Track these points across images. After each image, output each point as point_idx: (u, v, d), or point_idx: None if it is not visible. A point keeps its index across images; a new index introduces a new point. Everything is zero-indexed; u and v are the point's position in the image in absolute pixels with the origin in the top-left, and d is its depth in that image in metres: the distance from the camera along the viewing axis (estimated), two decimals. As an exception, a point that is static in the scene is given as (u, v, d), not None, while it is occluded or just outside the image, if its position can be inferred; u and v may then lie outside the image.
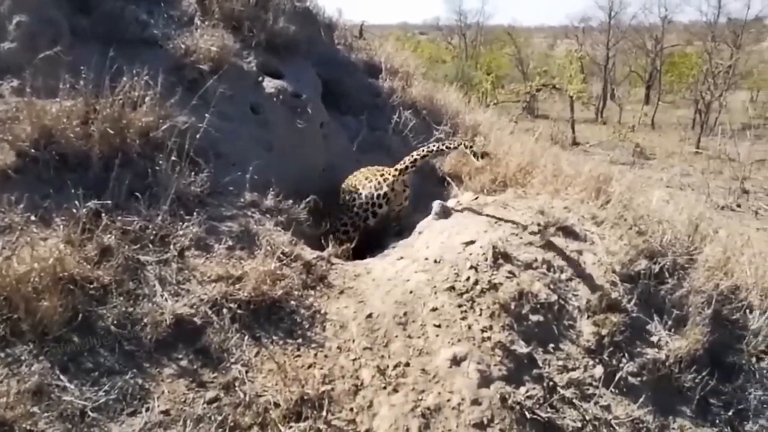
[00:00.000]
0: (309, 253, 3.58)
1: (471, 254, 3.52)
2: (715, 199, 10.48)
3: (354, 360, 2.95)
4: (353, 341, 3.05)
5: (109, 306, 2.77)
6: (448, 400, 2.78)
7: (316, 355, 2.96)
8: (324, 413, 2.70)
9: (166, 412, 2.57)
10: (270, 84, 4.46)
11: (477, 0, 33.68)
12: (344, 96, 5.25)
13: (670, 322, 3.34)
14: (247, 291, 3.04)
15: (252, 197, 3.72)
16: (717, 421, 3.08)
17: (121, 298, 2.83)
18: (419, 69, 7.07)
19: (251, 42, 4.54)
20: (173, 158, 3.36)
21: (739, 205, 10.69)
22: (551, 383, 2.95)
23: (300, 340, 3.04)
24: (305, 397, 2.72)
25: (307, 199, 4.01)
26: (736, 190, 11.40)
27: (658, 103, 26.54)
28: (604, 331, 3.19)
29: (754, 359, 3.42)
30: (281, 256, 3.36)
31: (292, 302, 3.20)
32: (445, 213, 4.07)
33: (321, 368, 2.89)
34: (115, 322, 2.72)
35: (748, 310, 3.61)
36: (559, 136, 18.72)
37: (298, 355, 2.94)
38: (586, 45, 31.86)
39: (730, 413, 3.12)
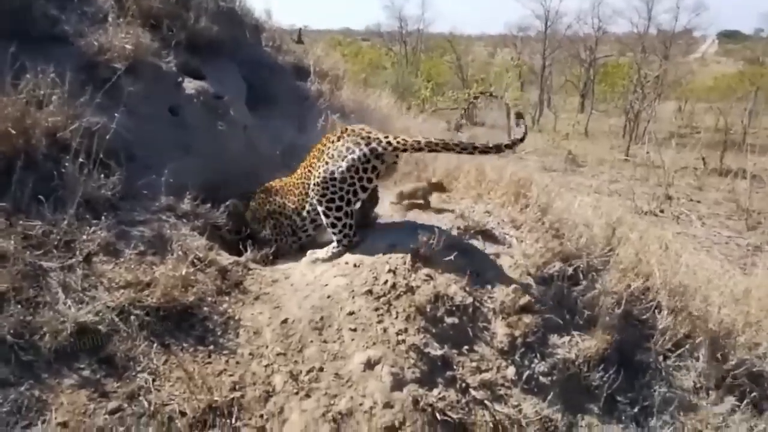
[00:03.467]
0: (225, 259, 3.50)
1: (390, 258, 3.52)
2: (640, 204, 10.94)
3: (266, 366, 2.90)
4: (267, 347, 3.00)
5: (5, 315, 2.62)
6: (361, 404, 2.77)
7: (227, 361, 2.90)
8: (233, 420, 2.64)
9: (64, 424, 2.46)
10: (190, 85, 4.36)
11: (417, 7, 34.08)
12: (270, 99, 5.18)
13: (581, 323, 3.45)
14: (157, 297, 2.95)
15: (167, 201, 3.61)
16: (623, 418, 3.19)
17: (20, 306, 2.68)
18: (348, 72, 7.09)
19: (171, 41, 4.42)
20: (81, 160, 3.22)
21: (662, 211, 11.18)
22: (464, 385, 2.99)
23: (211, 347, 2.97)
24: (213, 405, 2.66)
25: (227, 203, 3.94)
26: (659, 196, 11.92)
27: (591, 111, 27.59)
28: (517, 333, 3.25)
29: (661, 357, 3.56)
30: (195, 261, 3.28)
31: (205, 308, 3.12)
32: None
33: (231, 375, 2.83)
34: (11, 331, 2.58)
35: (657, 310, 3.76)
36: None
37: (209, 362, 2.87)
38: (524, 54, 32.83)
39: (635, 410, 3.23)
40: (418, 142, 3.46)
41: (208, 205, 3.80)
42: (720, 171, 15.22)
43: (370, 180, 3.51)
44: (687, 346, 3.55)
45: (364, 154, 3.45)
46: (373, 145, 3.46)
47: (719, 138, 19.09)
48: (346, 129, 3.65)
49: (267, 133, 4.91)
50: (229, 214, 3.95)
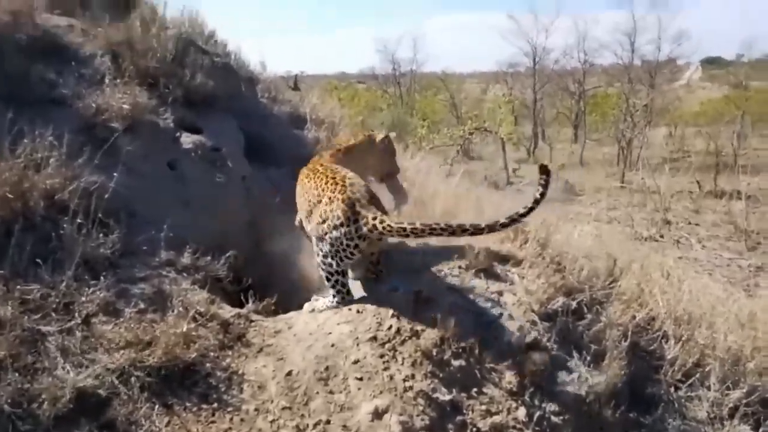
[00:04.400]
0: (227, 312, 3.48)
1: (394, 302, 3.50)
2: (639, 230, 10.94)
3: (272, 422, 2.85)
4: (272, 401, 2.95)
5: (3, 384, 2.58)
6: (370, 456, 2.71)
7: (231, 419, 2.85)
8: (240, 481, 2.58)
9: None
10: (188, 139, 4.42)
11: (409, 49, 34.57)
12: (268, 148, 5.24)
13: (589, 358, 3.40)
14: (158, 356, 2.92)
15: (167, 256, 3.60)
16: (639, 454, 3.12)
17: (17, 374, 2.65)
18: (346, 115, 7.18)
19: (167, 98, 4.50)
20: (79, 220, 3.24)
21: (662, 236, 11.18)
22: (475, 429, 2.93)
23: (215, 405, 2.92)
24: (220, 465, 2.60)
25: (227, 255, 3.93)
26: (658, 222, 11.94)
27: (585, 141, 27.87)
28: (525, 372, 3.21)
29: (672, 389, 3.51)
30: (196, 316, 3.25)
31: (208, 364, 3.08)
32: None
33: (237, 432, 2.78)
34: (9, 400, 2.54)
35: (663, 340, 3.72)
36: (494, 177, 19.27)
37: (213, 421, 2.82)
38: (515, 89, 33.36)
39: (651, 445, 3.17)
40: (404, 229, 3.31)
41: (209, 257, 3.79)
42: (715, 193, 15.30)
43: (352, 254, 3.43)
44: (697, 376, 3.50)
45: (348, 233, 3.37)
46: (360, 223, 3.35)
47: (711, 161, 19.24)
48: (344, 179, 3.53)
49: (265, 183, 4.95)
50: (230, 266, 3.94)
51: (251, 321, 3.49)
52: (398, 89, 33.84)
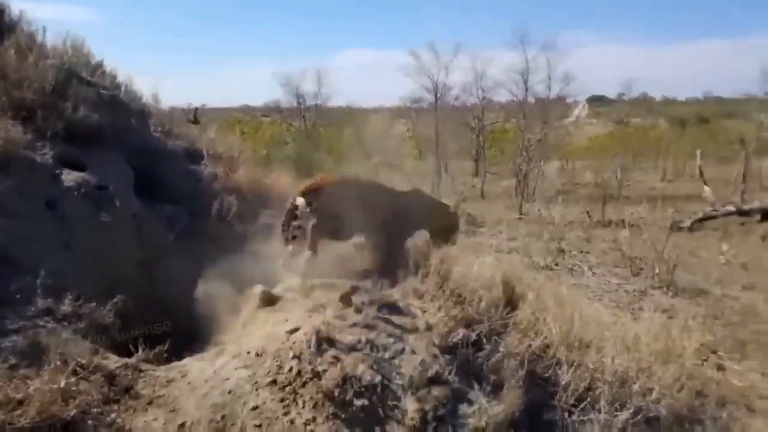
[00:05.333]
0: (113, 362, 3.23)
1: (294, 342, 3.40)
2: (537, 259, 11.42)
3: (163, 479, 2.64)
4: (163, 457, 2.75)
5: None
6: None
7: (116, 480, 2.61)
8: None
9: None
10: (69, 176, 4.12)
11: (314, 83, 34.58)
12: (161, 185, 5.00)
13: (488, 388, 3.46)
14: (31, 416, 2.64)
15: (45, 304, 3.32)
16: (538, 482, 3.17)
17: None
18: (249, 149, 7.03)
19: (46, 132, 4.18)
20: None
21: (557, 264, 11.70)
22: (378, 470, 2.87)
23: (99, 466, 2.68)
24: None
25: (114, 300, 3.67)
26: (553, 250, 12.53)
27: (485, 175, 29.04)
28: (427, 407, 3.20)
29: (566, 414, 3.62)
30: (77, 368, 3.00)
31: (90, 421, 2.83)
32: (269, 300, 3.94)
33: (122, 495, 2.55)
34: None
35: (557, 366, 3.85)
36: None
37: (95, 484, 2.57)
38: (419, 124, 34.30)
39: (549, 470, 3.24)
40: None
41: (93, 303, 3.52)
42: (603, 222, 16.32)
43: None
44: (588, 399, 3.63)
45: None
46: None
47: (599, 192, 20.61)
48: None
49: (158, 221, 4.70)
50: (118, 311, 3.67)
51: (140, 371, 3.26)
52: (304, 123, 33.75)
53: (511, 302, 4.36)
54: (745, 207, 15.10)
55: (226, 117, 24.96)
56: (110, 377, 3.09)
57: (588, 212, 16.76)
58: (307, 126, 33.61)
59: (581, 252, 12.79)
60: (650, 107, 51.14)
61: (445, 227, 4.67)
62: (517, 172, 25.18)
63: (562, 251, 12.85)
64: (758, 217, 13.00)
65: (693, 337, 5.36)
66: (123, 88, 5.75)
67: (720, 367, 5.22)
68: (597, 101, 59.32)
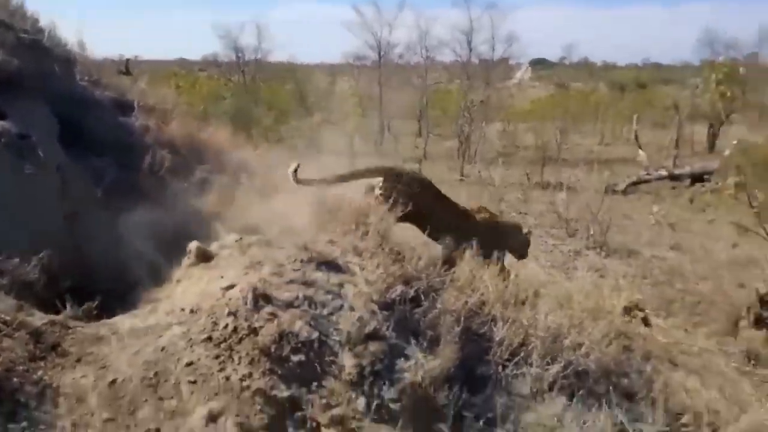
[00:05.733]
0: (38, 319, 3.08)
1: (230, 299, 3.35)
2: (477, 220, 11.61)
3: (92, 437, 2.58)
4: (92, 414, 2.67)
5: None
6: (204, 463, 2.57)
7: (43, 438, 2.53)
8: None
9: None
10: (-13, 125, 3.84)
11: (253, 37, 33.28)
12: (88, 136, 4.74)
13: (425, 344, 3.52)
14: (-51, 375, 2.51)
15: (-38, 261, 3.12)
16: (470, 432, 3.29)
17: None
18: (186, 104, 6.77)
19: (-41, 76, 3.88)
20: None
21: (496, 224, 11.91)
22: (314, 424, 2.90)
23: (25, 423, 2.57)
24: (27, 494, 2.30)
25: (39, 256, 3.51)
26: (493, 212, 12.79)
27: (428, 136, 29.14)
28: (364, 362, 3.23)
29: (500, 368, 3.75)
30: (0, 325, 2.85)
31: (15, 379, 2.70)
32: (205, 256, 3.85)
33: (49, 454, 2.48)
34: None
35: (492, 323, 3.97)
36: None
37: (20, 443, 2.48)
38: (362, 82, 33.91)
39: (481, 423, 3.34)
40: None
41: (17, 259, 3.35)
42: (542, 184, 16.80)
43: None
44: (522, 354, 3.77)
45: None
46: None
47: (539, 155, 21.11)
48: None
49: (86, 174, 4.48)
50: (43, 267, 3.51)
51: (68, 328, 3.13)
52: (243, 78, 32.70)
53: (450, 261, 4.45)
54: (677, 171, 15.81)
55: (161, 70, 23.82)
56: (36, 334, 2.96)
57: (527, 174, 17.16)
58: (246, 81, 32.60)
59: (519, 213, 13.12)
60: (591, 72, 52.32)
61: (521, 244, 5.48)
62: (459, 133, 25.39)
63: (501, 213, 13.13)
64: (688, 181, 13.65)
65: (623, 295, 5.66)
66: (46, 33, 5.37)
67: (647, 324, 5.53)
68: (539, 64, 60.14)
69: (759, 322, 5.27)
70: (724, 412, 3.79)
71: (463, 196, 15.80)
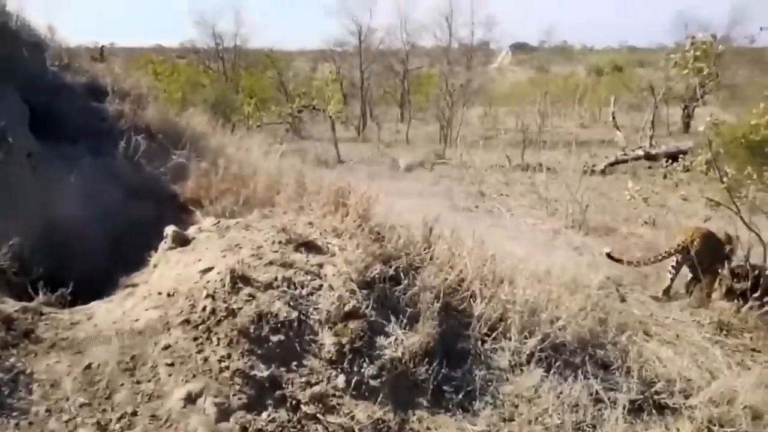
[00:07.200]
0: (10, 306, 3.05)
1: (208, 282, 3.34)
2: (458, 202, 11.68)
3: (68, 421, 2.56)
4: (67, 400, 2.66)
5: None
6: (183, 443, 2.57)
7: (18, 424, 2.51)
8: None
9: None
10: (-47, 111, 3.75)
11: (231, 23, 32.68)
12: (60, 122, 4.65)
13: (405, 321, 3.54)
14: None
15: (-70, 248, 3.06)
16: (450, 406, 3.31)
17: None
18: (164, 92, 6.67)
19: (-77, 62, 3.77)
20: None
21: (477, 207, 12.00)
22: (295, 402, 2.91)
23: (-3, 411, 2.55)
24: (2, 479, 2.29)
25: (10, 242, 3.45)
26: (474, 194, 12.85)
27: (410, 120, 29.07)
28: (344, 340, 3.25)
29: (479, 342, 3.78)
30: (-30, 314, 2.81)
31: (-13, 366, 2.68)
32: (182, 240, 3.82)
33: (24, 439, 2.46)
34: None
35: (472, 299, 4.00)
36: (324, 156, 19.34)
37: (-7, 430, 2.46)
38: (343, 68, 33.63)
39: (460, 396, 3.38)
40: None
41: (-14, 247, 3.29)
42: (522, 166, 16.85)
43: None
44: (500, 329, 3.81)
45: None
46: None
47: (519, 137, 21.18)
48: None
49: (57, 160, 4.39)
50: (15, 254, 3.46)
51: (42, 314, 3.11)
52: (222, 65, 32.24)
53: (428, 241, 4.46)
54: (653, 152, 15.99)
55: (139, 57, 23.37)
56: (8, 321, 2.93)
57: (508, 156, 17.22)
58: (226, 68, 32.17)
59: (500, 195, 13.16)
60: (569, 55, 52.50)
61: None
62: (440, 117, 25.38)
63: (482, 194, 13.20)
64: (664, 161, 13.83)
65: (600, 271, 5.74)
66: (15, 18, 5.22)
67: (622, 298, 5.61)
68: (519, 49, 60.15)
69: (730, 294, 5.37)
70: (696, 379, 3.87)
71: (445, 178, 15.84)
